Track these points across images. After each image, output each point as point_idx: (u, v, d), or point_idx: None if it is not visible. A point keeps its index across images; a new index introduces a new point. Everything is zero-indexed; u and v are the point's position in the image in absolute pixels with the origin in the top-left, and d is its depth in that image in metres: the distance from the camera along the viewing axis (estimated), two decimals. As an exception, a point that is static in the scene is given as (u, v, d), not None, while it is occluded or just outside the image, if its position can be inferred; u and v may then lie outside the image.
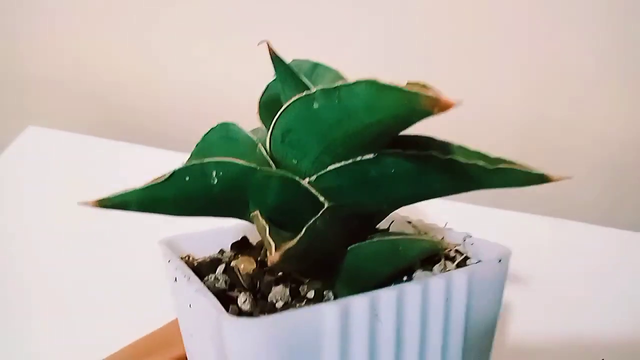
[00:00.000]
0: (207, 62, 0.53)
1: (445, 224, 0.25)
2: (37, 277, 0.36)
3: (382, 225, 0.26)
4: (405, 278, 0.21)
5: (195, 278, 0.20)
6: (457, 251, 0.23)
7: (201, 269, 0.22)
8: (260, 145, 0.21)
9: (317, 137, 0.18)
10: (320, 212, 0.17)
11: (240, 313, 0.18)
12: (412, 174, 0.18)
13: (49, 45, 0.55)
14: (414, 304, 0.18)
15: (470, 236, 0.23)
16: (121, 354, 0.27)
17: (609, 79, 0.44)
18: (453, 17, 0.46)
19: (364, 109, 0.16)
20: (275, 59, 0.20)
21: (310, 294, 0.19)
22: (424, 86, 0.15)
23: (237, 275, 0.21)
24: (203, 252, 0.25)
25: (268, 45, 0.20)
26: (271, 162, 0.21)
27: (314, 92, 0.18)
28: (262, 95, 0.24)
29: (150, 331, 0.29)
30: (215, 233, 0.26)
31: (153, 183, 0.19)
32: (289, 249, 0.16)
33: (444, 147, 0.20)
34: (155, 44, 0.53)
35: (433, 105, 0.13)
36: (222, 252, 0.25)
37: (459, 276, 0.19)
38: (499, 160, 0.18)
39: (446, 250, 0.22)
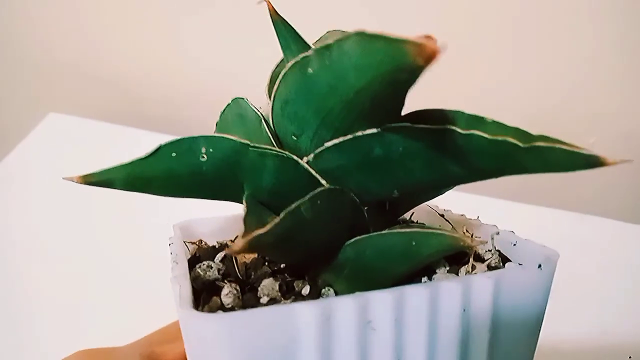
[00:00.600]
0: (231, 50, 0.51)
1: (476, 217, 0.21)
2: (55, 262, 0.37)
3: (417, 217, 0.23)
4: (424, 280, 0.18)
5: (183, 264, 0.18)
6: (498, 252, 0.19)
7: (201, 256, 0.20)
8: (263, 121, 0.19)
9: (313, 108, 0.16)
10: (308, 195, 0.15)
11: (221, 306, 0.16)
12: (425, 152, 0.15)
13: (71, 33, 0.57)
14: (418, 311, 0.15)
15: (513, 234, 0.19)
16: (136, 344, 0.26)
17: (632, 73, 0.42)
18: (473, 13, 0.44)
19: (353, 69, 0.13)
20: (276, 19, 0.18)
21: (305, 291, 0.17)
22: (425, 36, 0.12)
23: (233, 264, 0.19)
24: (219, 238, 0.24)
25: (268, 3, 0.18)
26: (272, 139, 0.18)
27: (309, 55, 0.15)
28: (276, 66, 0.22)
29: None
30: (234, 219, 0.25)
31: (137, 159, 0.17)
32: (258, 236, 0.13)
33: (468, 120, 0.16)
34: (180, 34, 0.52)
35: (417, 54, 0.10)
36: (236, 238, 0.23)
37: (481, 282, 0.15)
38: (536, 137, 0.14)
39: (478, 250, 0.19)
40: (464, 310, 0.15)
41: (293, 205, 0.14)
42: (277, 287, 0.16)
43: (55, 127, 0.52)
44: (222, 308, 0.16)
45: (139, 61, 0.56)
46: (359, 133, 0.15)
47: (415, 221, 0.22)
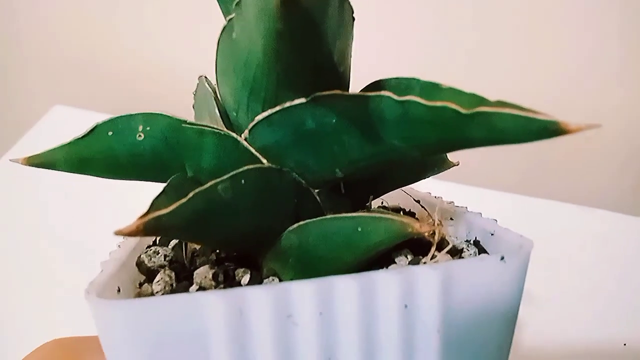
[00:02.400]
0: None
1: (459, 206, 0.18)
2: (58, 254, 0.37)
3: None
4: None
5: (126, 248, 0.17)
6: (472, 243, 0.17)
7: (158, 241, 0.19)
8: (213, 98, 0.18)
9: (241, 78, 0.14)
10: (228, 175, 0.13)
11: (151, 294, 0.15)
12: (360, 124, 0.13)
13: (77, 26, 0.57)
14: (348, 306, 0.13)
15: (494, 223, 0.17)
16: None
17: (629, 68, 0.41)
18: (472, 10, 0.42)
19: (255, 24, 0.11)
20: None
21: (245, 280, 0.15)
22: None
23: (182, 250, 0.18)
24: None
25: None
26: (221, 116, 0.17)
27: (233, 17, 0.13)
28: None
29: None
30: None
31: (75, 138, 0.17)
32: (159, 217, 0.12)
33: (422, 87, 0.14)
34: (190, 29, 0.52)
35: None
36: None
37: (425, 275, 0.13)
38: (480, 103, 0.12)
39: (447, 239, 0.16)
40: (406, 306, 0.13)
41: (206, 185, 0.13)
42: (211, 276, 0.15)
43: (61, 119, 0.53)
44: (153, 296, 0.15)
45: (146, 55, 0.57)
46: (287, 104, 0.14)
47: (389, 209, 0.20)
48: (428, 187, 0.24)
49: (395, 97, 0.12)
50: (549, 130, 0.11)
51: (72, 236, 0.38)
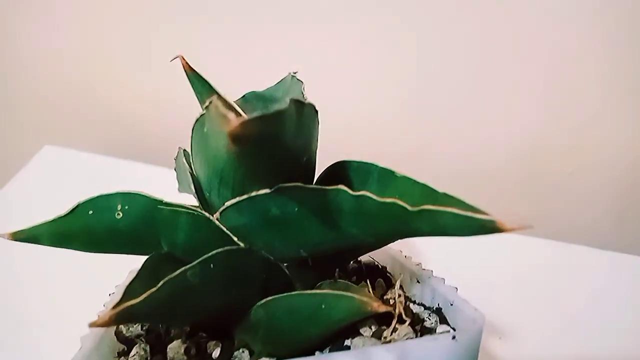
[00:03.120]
0: (231, 85, 0.52)
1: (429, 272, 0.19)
2: (49, 298, 0.37)
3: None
4: (347, 342, 0.16)
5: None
6: (434, 311, 0.18)
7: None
8: (189, 175, 0.19)
9: (212, 167, 0.15)
10: (197, 261, 0.14)
11: (127, 368, 0.16)
12: (319, 213, 0.14)
13: (67, 65, 0.57)
14: (308, 386, 0.14)
15: (454, 292, 0.18)
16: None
17: (613, 102, 0.43)
18: (456, 43, 0.44)
19: (219, 131, 0.12)
20: (190, 74, 0.17)
21: (216, 353, 0.16)
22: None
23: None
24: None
25: (182, 59, 0.18)
26: (195, 193, 0.18)
27: (204, 113, 0.15)
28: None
29: None
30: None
31: (59, 217, 0.18)
32: (130, 307, 0.13)
33: (379, 174, 0.15)
34: (172, 69, 0.53)
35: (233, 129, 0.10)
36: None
37: (380, 356, 0.14)
38: (428, 199, 0.13)
39: (413, 310, 0.17)
40: (363, 385, 0.14)
41: (175, 273, 0.14)
42: (183, 350, 0.16)
43: (51, 159, 0.53)
44: (128, 370, 0.16)
45: (135, 94, 0.57)
46: (253, 194, 0.15)
47: (358, 266, 0.21)
48: None
49: (350, 192, 0.13)
50: (487, 227, 0.12)
51: (54, 304, 0.38)
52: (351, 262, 0.23)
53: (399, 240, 0.23)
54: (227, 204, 0.15)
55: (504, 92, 0.46)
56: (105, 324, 0.12)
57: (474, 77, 0.46)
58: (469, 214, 0.12)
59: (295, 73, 0.20)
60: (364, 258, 0.24)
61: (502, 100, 0.46)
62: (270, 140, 0.12)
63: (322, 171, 0.17)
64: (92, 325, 0.12)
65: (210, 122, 0.13)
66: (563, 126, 0.46)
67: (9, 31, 0.58)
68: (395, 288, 0.17)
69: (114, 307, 0.13)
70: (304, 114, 0.13)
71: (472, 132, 0.47)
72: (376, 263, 0.24)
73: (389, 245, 0.23)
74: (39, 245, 0.18)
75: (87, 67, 0.58)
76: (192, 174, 0.19)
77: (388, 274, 0.22)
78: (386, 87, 0.48)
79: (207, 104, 0.12)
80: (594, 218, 0.47)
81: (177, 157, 0.22)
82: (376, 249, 0.19)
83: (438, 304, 0.18)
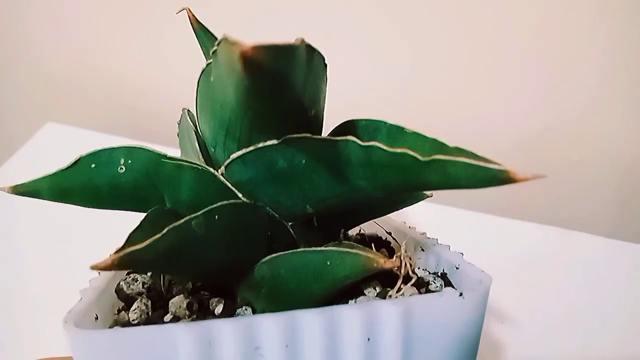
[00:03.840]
0: None
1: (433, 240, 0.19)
2: (49, 275, 0.37)
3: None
4: (351, 302, 0.16)
5: (106, 275, 0.18)
6: (439, 275, 0.18)
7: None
8: (193, 132, 0.18)
9: (218, 119, 0.15)
10: (202, 211, 0.14)
11: (128, 322, 0.16)
12: (328, 166, 0.14)
13: (70, 44, 0.57)
14: (312, 339, 0.13)
15: (460, 257, 0.17)
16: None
17: (617, 91, 0.43)
18: (462, 29, 0.44)
19: (226, 75, 0.12)
20: (197, 27, 0.17)
21: (218, 309, 0.16)
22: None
23: (159, 277, 0.18)
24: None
25: (189, 12, 0.17)
26: (200, 150, 0.18)
27: (211, 62, 0.14)
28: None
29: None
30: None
31: (60, 170, 0.17)
32: (132, 253, 0.12)
33: (389, 130, 0.15)
34: (176, 49, 0.53)
35: (240, 57, 0.09)
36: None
37: (387, 309, 0.13)
38: (439, 152, 0.13)
39: (415, 272, 0.17)
40: (368, 339, 0.14)
41: (180, 221, 0.13)
42: (185, 305, 0.16)
43: (53, 136, 0.53)
44: (129, 324, 0.16)
45: (138, 72, 0.57)
46: (260, 145, 0.14)
47: (361, 237, 0.21)
48: (415, 209, 0.24)
49: (359, 142, 0.13)
50: (498, 178, 0.12)
51: (55, 260, 0.38)
52: (354, 234, 0.23)
53: (401, 219, 0.23)
54: (233, 156, 0.15)
55: (509, 80, 0.46)
56: (107, 268, 0.12)
57: (478, 65, 0.45)
58: (481, 163, 0.12)
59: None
60: (366, 229, 0.24)
61: (506, 89, 0.46)
62: (281, 78, 0.11)
63: (328, 132, 0.17)
64: (94, 267, 0.12)
65: (218, 65, 0.13)
66: (568, 115, 0.46)
67: (14, 10, 0.58)
68: (402, 249, 0.16)
69: (117, 252, 0.12)
70: (313, 61, 0.13)
71: (476, 121, 0.47)
72: (378, 234, 0.24)
73: (390, 216, 0.23)
74: (40, 200, 0.18)
75: (89, 45, 0.58)
76: (196, 132, 0.18)
77: (391, 245, 0.22)
78: (386, 76, 0.48)
79: (216, 43, 0.12)
80: (598, 206, 0.47)
81: (180, 120, 0.22)
82: (384, 206, 0.19)
83: (443, 270, 0.18)
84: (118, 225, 0.24)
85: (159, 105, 0.57)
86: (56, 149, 0.51)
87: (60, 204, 0.18)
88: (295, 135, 0.14)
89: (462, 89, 0.46)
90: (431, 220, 0.38)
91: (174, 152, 0.23)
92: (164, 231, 0.13)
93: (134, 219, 0.18)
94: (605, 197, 0.47)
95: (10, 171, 0.49)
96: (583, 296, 0.35)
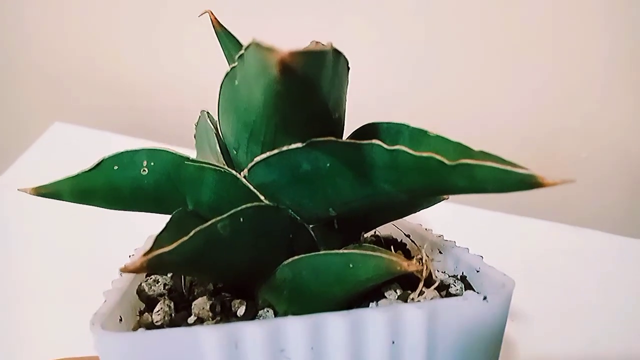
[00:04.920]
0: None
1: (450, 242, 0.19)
2: (56, 274, 0.37)
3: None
4: (372, 305, 0.16)
5: (128, 276, 0.18)
6: (464, 279, 0.18)
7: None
8: (214, 134, 0.18)
9: (242, 121, 0.15)
10: (227, 213, 0.14)
11: (151, 324, 0.16)
12: (352, 169, 0.14)
13: (79, 42, 0.57)
14: (338, 341, 0.13)
15: (480, 260, 0.17)
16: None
17: (625, 88, 0.43)
18: (469, 27, 0.44)
19: (254, 79, 0.12)
20: (219, 31, 0.17)
21: (240, 311, 0.16)
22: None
23: (180, 279, 0.18)
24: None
25: (211, 14, 0.17)
26: (221, 152, 0.18)
27: (236, 65, 0.14)
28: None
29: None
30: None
31: (82, 171, 0.17)
32: (161, 255, 0.13)
33: (411, 134, 0.15)
34: (190, 45, 0.53)
35: (279, 60, 0.09)
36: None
37: (412, 312, 0.14)
38: (473, 153, 0.13)
39: (438, 276, 0.17)
40: (393, 342, 0.14)
41: (207, 224, 0.14)
42: (208, 307, 0.16)
43: (61, 136, 0.53)
44: (153, 326, 0.16)
45: (146, 72, 0.57)
46: (284, 148, 0.14)
47: (376, 239, 0.21)
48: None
49: (385, 146, 0.13)
50: (526, 183, 0.12)
51: (76, 258, 0.38)
52: (369, 236, 0.23)
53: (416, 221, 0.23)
54: (257, 159, 0.15)
55: (517, 76, 0.45)
56: (136, 270, 0.12)
57: (487, 62, 0.45)
58: (508, 167, 0.12)
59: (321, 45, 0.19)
60: (381, 231, 0.24)
61: (515, 85, 0.46)
62: (312, 82, 0.11)
63: (349, 134, 0.17)
64: (124, 270, 0.12)
65: (245, 69, 0.13)
66: (577, 112, 0.45)
67: (22, 10, 0.58)
68: (422, 251, 0.17)
69: (145, 254, 0.13)
70: (339, 65, 0.13)
71: (484, 117, 0.47)
72: (393, 237, 0.24)
73: (406, 219, 0.23)
74: (61, 202, 0.18)
75: (97, 45, 0.58)
76: (217, 135, 0.18)
77: (407, 247, 0.22)
78: (395, 72, 0.48)
79: (245, 47, 0.12)
80: (607, 203, 0.47)
81: (197, 122, 0.22)
82: (407, 207, 0.19)
83: (462, 272, 0.18)
84: (134, 228, 0.24)
85: (166, 104, 0.57)
86: (64, 148, 0.52)
87: (80, 205, 0.18)
88: (319, 139, 0.14)
89: (470, 88, 0.46)
90: (442, 219, 0.38)
91: (186, 152, 0.23)
92: (191, 234, 0.13)
93: (153, 220, 0.18)
94: (615, 194, 0.47)
95: (19, 171, 0.49)
96: (593, 293, 0.35)
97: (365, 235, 0.23)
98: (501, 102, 0.47)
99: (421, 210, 0.22)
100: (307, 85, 0.11)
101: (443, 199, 0.22)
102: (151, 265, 0.13)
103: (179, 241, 0.13)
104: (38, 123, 0.56)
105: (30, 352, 0.30)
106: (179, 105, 0.57)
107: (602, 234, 0.40)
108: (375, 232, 0.24)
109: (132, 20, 0.55)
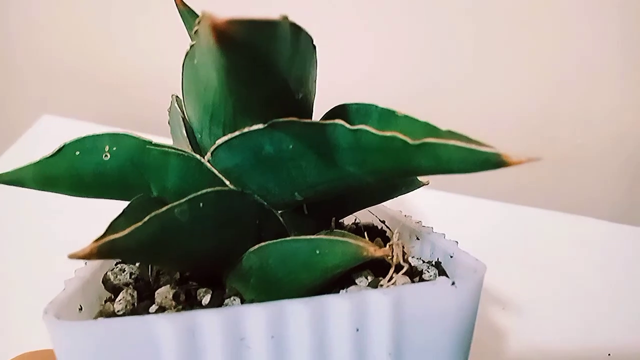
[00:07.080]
0: None
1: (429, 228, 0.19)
2: (33, 266, 0.36)
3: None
4: (342, 292, 0.16)
5: (93, 265, 0.17)
6: (433, 264, 0.17)
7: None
8: (181, 119, 0.18)
9: (202, 103, 0.15)
10: (186, 198, 0.13)
11: (113, 313, 0.16)
12: (316, 150, 0.13)
13: (67, 35, 0.57)
14: (300, 329, 0.13)
15: (454, 245, 0.17)
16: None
17: (620, 74, 0.42)
18: (462, 11, 0.43)
19: (208, 54, 0.12)
20: (182, 10, 0.17)
21: (205, 300, 0.16)
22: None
23: (147, 267, 0.18)
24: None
25: (174, -5, 0.17)
26: (188, 137, 0.17)
27: (194, 43, 0.14)
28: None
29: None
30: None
31: (44, 157, 0.17)
32: (112, 241, 0.12)
33: (380, 114, 0.14)
34: (178, 37, 0.52)
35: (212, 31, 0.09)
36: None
37: (376, 299, 0.13)
38: (430, 135, 0.12)
39: (409, 261, 0.17)
40: (357, 329, 0.13)
41: (163, 209, 0.13)
42: (172, 295, 0.15)
43: (49, 128, 0.53)
44: (113, 315, 0.15)
45: (135, 64, 0.56)
46: (245, 129, 0.14)
47: (356, 226, 0.20)
48: (417, 196, 0.24)
49: (348, 126, 0.13)
50: (491, 162, 0.11)
51: (40, 251, 0.37)
52: (349, 223, 0.23)
53: (399, 208, 0.23)
54: (219, 142, 0.15)
55: (512, 62, 0.45)
56: (86, 257, 0.12)
57: (481, 48, 0.45)
58: (473, 146, 0.11)
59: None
60: (362, 219, 0.23)
61: (509, 71, 0.45)
62: (260, 56, 0.11)
63: (320, 117, 0.17)
64: (72, 256, 0.12)
65: (200, 45, 0.12)
66: (571, 97, 0.45)
67: (5, 3, 0.57)
68: (394, 237, 0.16)
69: (97, 240, 0.12)
70: (300, 42, 0.13)
71: (479, 104, 0.47)
72: (374, 224, 0.23)
73: (386, 204, 0.22)
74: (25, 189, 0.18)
75: (85, 38, 0.57)
76: (183, 118, 0.18)
77: (387, 235, 0.22)
78: (390, 58, 0.47)
79: (197, 22, 0.11)
80: (602, 190, 0.47)
81: (170, 107, 0.21)
82: (377, 193, 0.18)
83: (437, 258, 0.18)
84: (106, 215, 0.24)
85: (156, 96, 0.57)
86: (53, 141, 0.51)
87: (45, 192, 0.18)
88: (281, 120, 0.13)
89: (462, 74, 0.46)
90: (432, 207, 0.38)
91: (168, 142, 0.22)
92: (146, 219, 0.13)
93: (121, 208, 0.17)
94: (610, 180, 0.47)
95: (7, 164, 0.49)
96: (587, 281, 0.35)
97: (345, 223, 0.22)
98: (495, 89, 0.46)
99: (404, 197, 0.21)
100: (254, 58, 0.11)
101: (421, 184, 0.21)
102: (102, 252, 0.12)
103: (133, 227, 0.12)
104: (26, 116, 0.56)
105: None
106: (167, 97, 0.56)
107: (596, 221, 0.40)
108: (355, 220, 0.23)
109: (120, 12, 0.54)
